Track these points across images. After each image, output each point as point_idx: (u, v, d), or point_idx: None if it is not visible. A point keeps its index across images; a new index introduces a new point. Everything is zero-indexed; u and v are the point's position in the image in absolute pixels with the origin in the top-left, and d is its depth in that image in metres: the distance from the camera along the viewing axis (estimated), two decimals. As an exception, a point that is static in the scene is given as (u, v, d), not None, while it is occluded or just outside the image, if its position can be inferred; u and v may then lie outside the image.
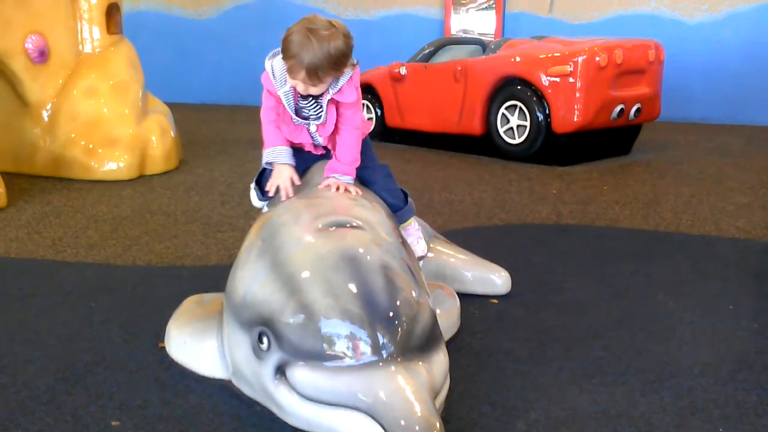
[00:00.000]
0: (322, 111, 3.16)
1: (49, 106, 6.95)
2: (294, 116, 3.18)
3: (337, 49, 2.96)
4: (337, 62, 2.99)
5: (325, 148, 3.35)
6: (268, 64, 3.13)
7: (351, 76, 3.11)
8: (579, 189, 6.60)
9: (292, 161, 3.26)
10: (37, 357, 3.24)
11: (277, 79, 3.12)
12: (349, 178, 3.19)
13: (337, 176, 3.17)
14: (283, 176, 3.22)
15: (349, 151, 3.19)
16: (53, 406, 2.81)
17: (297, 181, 3.24)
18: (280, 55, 3.05)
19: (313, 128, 3.22)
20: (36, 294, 4.01)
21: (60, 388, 2.95)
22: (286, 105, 3.16)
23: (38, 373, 3.08)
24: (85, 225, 5.43)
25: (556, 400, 2.88)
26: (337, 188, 3.13)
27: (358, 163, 3.22)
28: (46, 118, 6.96)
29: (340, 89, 3.10)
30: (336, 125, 3.21)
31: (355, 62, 3.13)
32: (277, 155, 3.26)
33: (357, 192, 3.16)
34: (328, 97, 3.11)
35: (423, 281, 2.84)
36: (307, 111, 3.18)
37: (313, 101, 3.15)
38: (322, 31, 2.95)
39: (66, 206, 5.96)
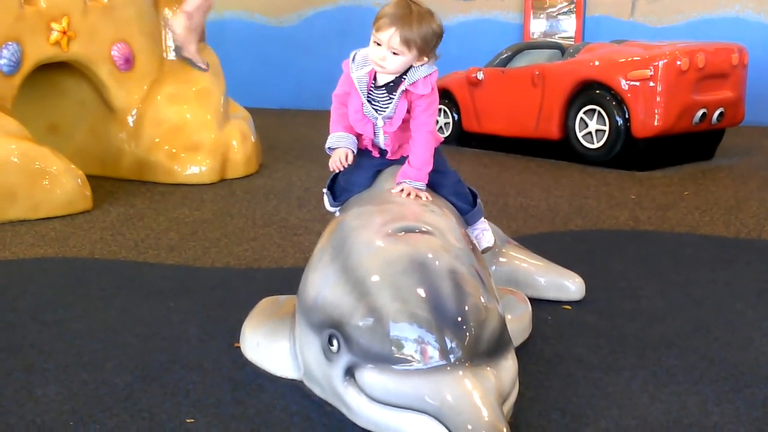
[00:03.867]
0: (392, 103, 3.15)
1: (134, 112, 7.15)
2: (365, 103, 3.17)
3: (430, 25, 3.04)
4: (425, 37, 3.04)
5: (382, 151, 3.31)
6: (352, 53, 3.21)
7: (429, 74, 3.12)
8: (658, 194, 6.50)
9: (353, 147, 3.25)
10: (117, 355, 3.34)
11: (356, 63, 3.17)
12: (421, 184, 3.19)
13: (409, 181, 3.18)
14: (339, 153, 3.23)
15: (421, 156, 3.18)
16: (130, 403, 2.89)
17: (350, 159, 3.23)
18: (365, 49, 3.15)
19: (380, 123, 3.19)
20: (117, 294, 4.13)
21: (137, 386, 3.04)
22: (358, 89, 3.16)
23: (117, 371, 3.17)
24: (166, 227, 5.57)
25: (627, 408, 2.85)
26: (408, 194, 3.15)
27: (430, 168, 3.21)
28: (131, 124, 7.16)
29: (414, 82, 3.11)
30: (406, 125, 3.20)
31: (435, 66, 3.15)
32: (337, 140, 3.26)
33: (427, 198, 3.17)
34: (402, 88, 3.11)
35: (492, 287, 2.84)
36: (378, 103, 3.17)
37: (386, 93, 3.16)
38: (423, 7, 3.07)
39: (149, 209, 6.13)
